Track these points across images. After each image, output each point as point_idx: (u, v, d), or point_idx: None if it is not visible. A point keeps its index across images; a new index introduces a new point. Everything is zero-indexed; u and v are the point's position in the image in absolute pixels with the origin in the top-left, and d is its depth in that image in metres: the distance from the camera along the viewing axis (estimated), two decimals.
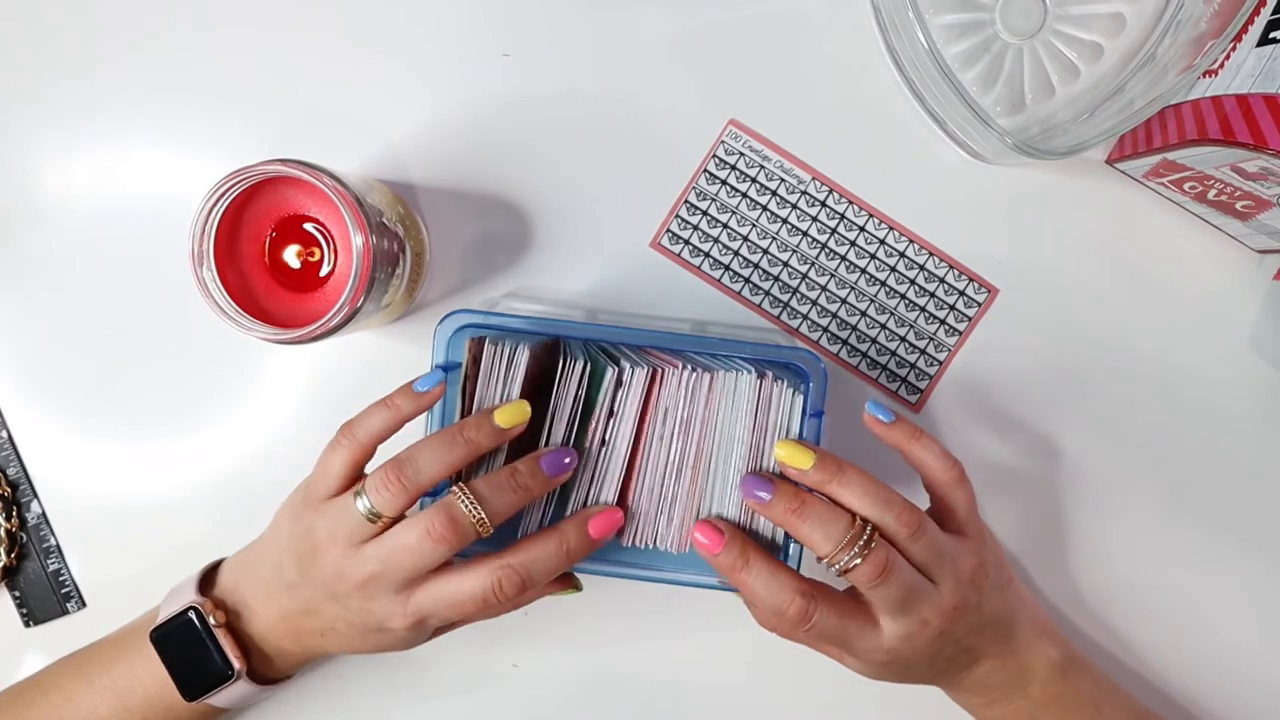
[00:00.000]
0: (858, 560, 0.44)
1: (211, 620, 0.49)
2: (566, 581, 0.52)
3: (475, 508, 0.45)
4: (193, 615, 0.49)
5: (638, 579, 0.52)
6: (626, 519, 0.51)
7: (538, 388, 0.50)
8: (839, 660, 0.50)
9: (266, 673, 0.51)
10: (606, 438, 0.50)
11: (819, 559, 0.46)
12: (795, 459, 0.47)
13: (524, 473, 0.47)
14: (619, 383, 0.49)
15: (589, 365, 0.49)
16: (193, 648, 0.49)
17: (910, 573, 0.45)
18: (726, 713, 0.59)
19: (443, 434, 0.46)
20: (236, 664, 0.49)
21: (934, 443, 0.48)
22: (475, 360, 0.50)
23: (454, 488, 0.46)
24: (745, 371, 0.49)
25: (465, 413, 0.50)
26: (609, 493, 0.50)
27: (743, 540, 0.48)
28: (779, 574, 0.47)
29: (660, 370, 0.49)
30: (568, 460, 0.48)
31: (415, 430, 0.50)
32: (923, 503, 0.49)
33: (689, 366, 0.50)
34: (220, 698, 0.50)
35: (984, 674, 0.50)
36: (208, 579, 0.52)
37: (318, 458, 0.48)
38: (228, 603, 0.50)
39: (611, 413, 0.50)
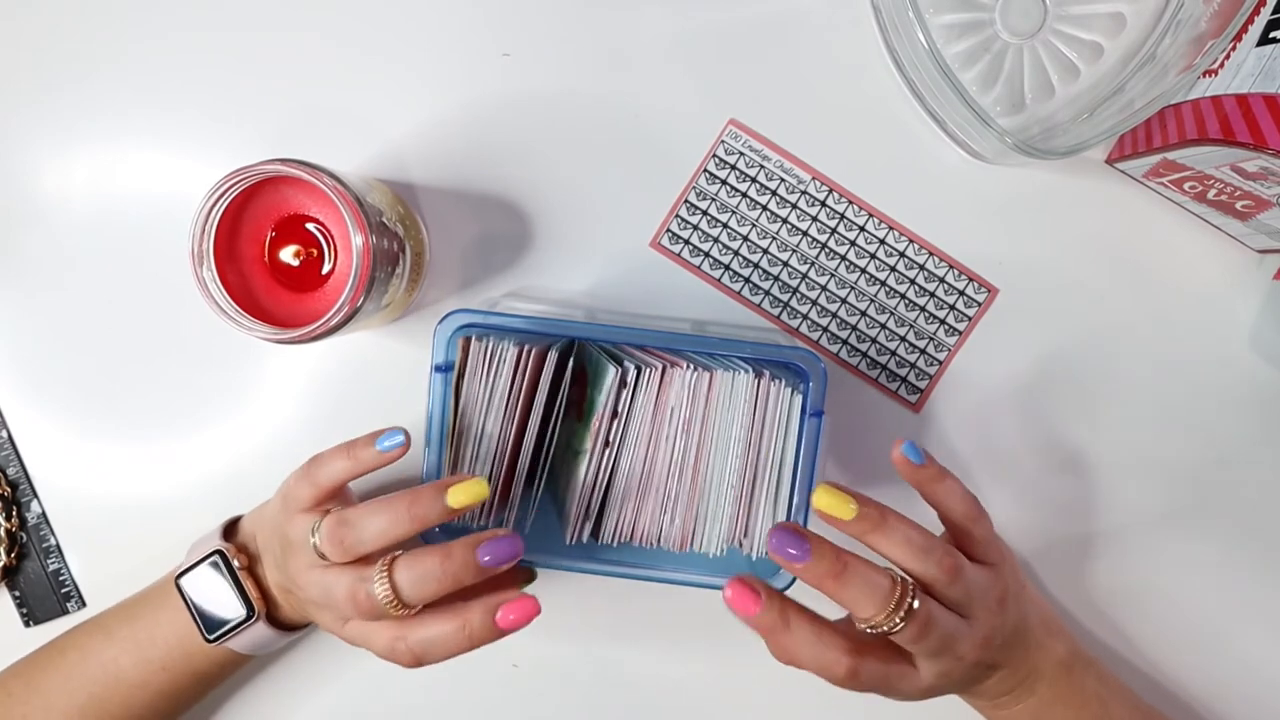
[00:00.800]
0: (901, 624, 0.42)
1: (235, 563, 0.51)
2: (519, 577, 0.51)
3: (389, 594, 0.44)
4: (218, 558, 0.51)
5: (637, 579, 0.52)
6: (633, 518, 0.50)
7: (552, 388, 0.50)
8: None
9: (279, 618, 0.53)
10: (611, 438, 0.50)
11: (858, 622, 0.43)
12: (837, 509, 0.43)
13: (456, 561, 0.43)
14: (623, 383, 0.49)
15: (586, 366, 0.49)
16: (217, 590, 0.51)
17: (947, 619, 0.44)
18: (726, 711, 0.59)
19: (391, 505, 0.44)
20: (257, 605, 0.51)
21: (957, 484, 0.47)
22: (466, 358, 0.50)
23: (378, 565, 0.44)
24: (742, 371, 0.49)
25: (455, 412, 0.50)
26: (618, 495, 0.50)
27: (781, 600, 0.44)
28: (824, 634, 0.44)
29: (666, 369, 0.49)
30: (514, 550, 0.44)
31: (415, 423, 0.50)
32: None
33: (691, 365, 0.50)
34: (240, 640, 0.51)
35: (998, 680, 0.49)
36: (231, 529, 0.54)
37: (292, 473, 0.49)
38: (249, 549, 0.52)
39: (615, 413, 0.50)
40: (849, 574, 0.42)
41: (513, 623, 0.45)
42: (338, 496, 0.49)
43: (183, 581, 0.51)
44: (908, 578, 0.43)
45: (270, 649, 0.54)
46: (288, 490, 0.49)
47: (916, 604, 0.42)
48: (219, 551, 0.51)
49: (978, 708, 0.52)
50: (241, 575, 0.51)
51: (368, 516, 0.44)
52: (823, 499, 0.43)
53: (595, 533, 0.51)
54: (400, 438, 0.46)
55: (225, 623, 0.51)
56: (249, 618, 0.51)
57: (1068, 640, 0.52)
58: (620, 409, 0.49)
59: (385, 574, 0.44)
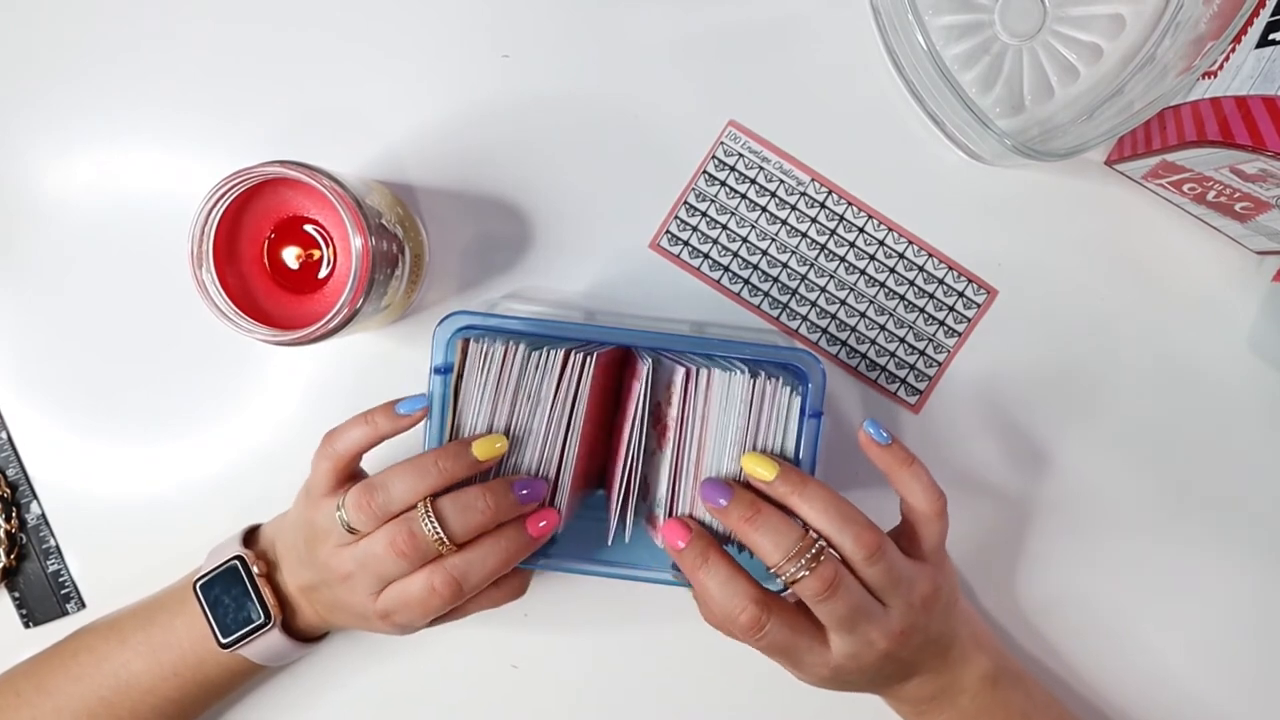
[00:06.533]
0: (805, 573, 0.44)
1: (255, 570, 0.51)
2: (514, 590, 0.52)
3: (436, 529, 0.46)
4: (238, 564, 0.51)
5: (637, 580, 0.52)
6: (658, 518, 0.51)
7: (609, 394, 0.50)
8: (784, 668, 0.50)
9: (295, 628, 0.53)
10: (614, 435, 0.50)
11: (768, 569, 0.46)
12: (759, 470, 0.47)
13: (495, 494, 0.47)
14: (590, 376, 0.49)
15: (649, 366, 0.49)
16: (235, 595, 0.51)
17: (859, 593, 0.45)
18: (726, 712, 0.59)
19: (417, 462, 0.47)
20: (274, 612, 0.51)
21: (924, 471, 0.48)
22: (465, 359, 0.50)
23: (419, 505, 0.46)
24: (739, 371, 0.49)
25: (454, 411, 0.50)
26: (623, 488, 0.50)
27: (708, 540, 0.48)
28: (737, 578, 0.47)
29: (663, 367, 0.50)
30: (542, 488, 0.48)
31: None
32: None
33: (692, 366, 0.50)
34: (253, 648, 0.51)
35: (916, 685, 0.50)
36: (249, 537, 0.54)
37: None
38: (268, 555, 0.53)
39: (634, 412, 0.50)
40: (761, 519, 0.46)
41: (543, 529, 0.48)
42: (357, 476, 0.49)
43: (200, 586, 0.51)
44: (830, 541, 0.46)
45: (282, 661, 0.53)
46: (309, 478, 0.49)
47: (823, 558, 0.45)
48: (238, 557, 0.51)
49: (902, 714, 0.53)
50: (260, 582, 0.51)
51: (394, 476, 0.47)
52: (748, 461, 0.47)
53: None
54: (422, 402, 0.48)
55: (241, 628, 0.51)
56: (265, 624, 0.51)
57: (995, 654, 0.52)
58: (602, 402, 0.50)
59: (428, 510, 0.46)
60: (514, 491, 0.47)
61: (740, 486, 0.48)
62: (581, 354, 0.49)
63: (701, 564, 0.47)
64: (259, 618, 0.51)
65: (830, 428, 0.58)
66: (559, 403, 0.49)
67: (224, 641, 0.51)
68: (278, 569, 0.52)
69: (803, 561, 0.45)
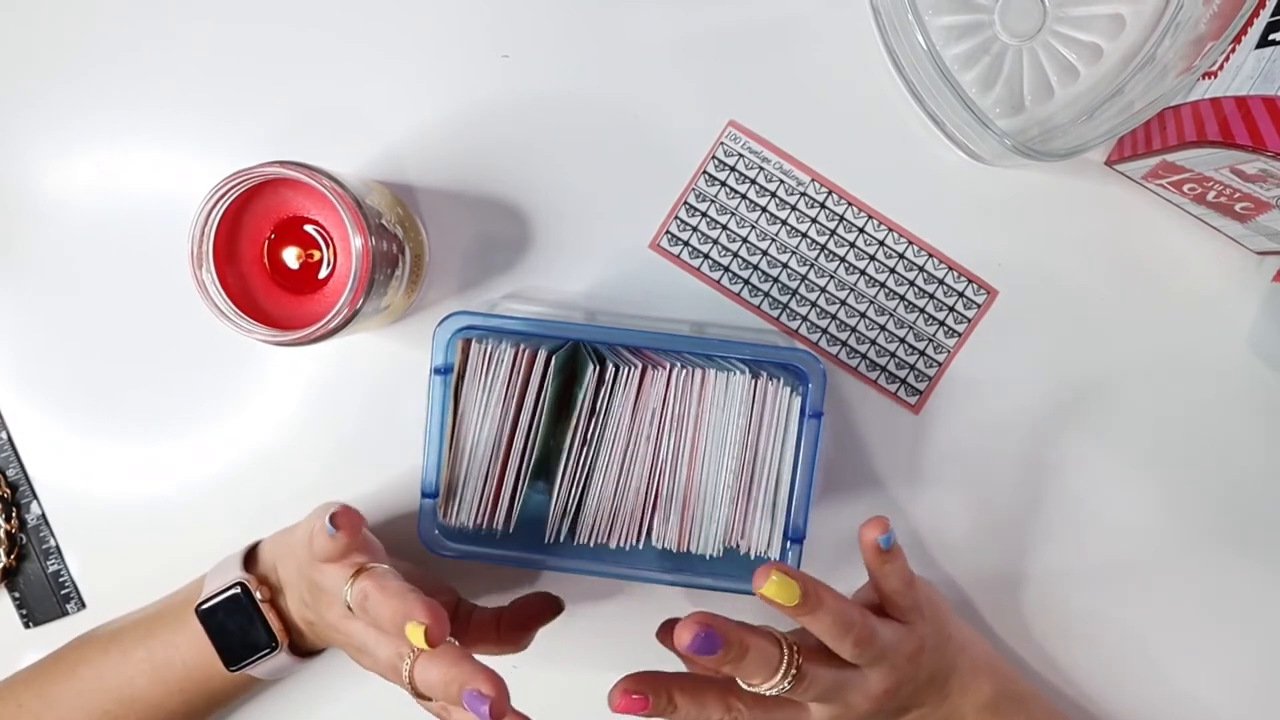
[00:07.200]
0: (790, 684, 0.44)
1: (258, 595, 0.51)
2: (548, 608, 0.53)
3: (409, 686, 0.45)
4: (240, 590, 0.51)
5: (638, 580, 0.52)
6: (609, 519, 0.51)
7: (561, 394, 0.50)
8: None
9: (301, 645, 0.53)
10: (588, 437, 0.50)
11: (748, 687, 0.45)
12: (783, 596, 0.43)
13: (453, 691, 0.43)
14: (600, 381, 0.49)
15: (592, 365, 0.49)
16: (238, 621, 0.51)
17: (831, 674, 0.45)
18: None
19: (392, 605, 0.44)
20: (279, 637, 0.51)
21: (903, 564, 0.47)
22: (465, 360, 0.50)
23: (408, 658, 0.45)
24: (738, 371, 0.49)
25: (454, 414, 0.50)
26: (596, 490, 0.50)
27: (664, 692, 0.46)
28: (705, 703, 0.46)
29: (646, 368, 0.50)
30: (483, 709, 0.43)
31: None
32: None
33: (676, 365, 0.50)
34: (260, 668, 0.51)
35: (916, 717, 0.50)
36: (250, 556, 0.53)
37: (315, 518, 0.48)
38: (269, 580, 0.52)
39: (593, 411, 0.50)
40: (749, 656, 0.44)
41: None
42: (359, 550, 0.47)
43: (204, 611, 0.51)
44: (789, 638, 0.45)
45: (287, 674, 0.53)
46: (311, 539, 0.47)
47: (801, 661, 0.44)
48: (240, 584, 0.51)
49: None
50: (264, 608, 0.50)
51: (378, 604, 0.44)
52: (770, 587, 0.43)
53: (572, 532, 0.51)
54: (330, 529, 0.45)
55: (247, 653, 0.50)
56: (272, 649, 0.51)
57: (998, 678, 0.52)
58: (598, 407, 0.50)
59: (409, 667, 0.44)
60: (463, 699, 0.43)
61: (725, 630, 0.43)
62: (627, 367, 0.49)
63: (672, 710, 0.46)
64: (265, 644, 0.50)
65: (830, 428, 0.58)
66: (630, 426, 0.49)
67: (231, 668, 0.50)
68: (281, 594, 0.51)
69: (790, 677, 0.44)
